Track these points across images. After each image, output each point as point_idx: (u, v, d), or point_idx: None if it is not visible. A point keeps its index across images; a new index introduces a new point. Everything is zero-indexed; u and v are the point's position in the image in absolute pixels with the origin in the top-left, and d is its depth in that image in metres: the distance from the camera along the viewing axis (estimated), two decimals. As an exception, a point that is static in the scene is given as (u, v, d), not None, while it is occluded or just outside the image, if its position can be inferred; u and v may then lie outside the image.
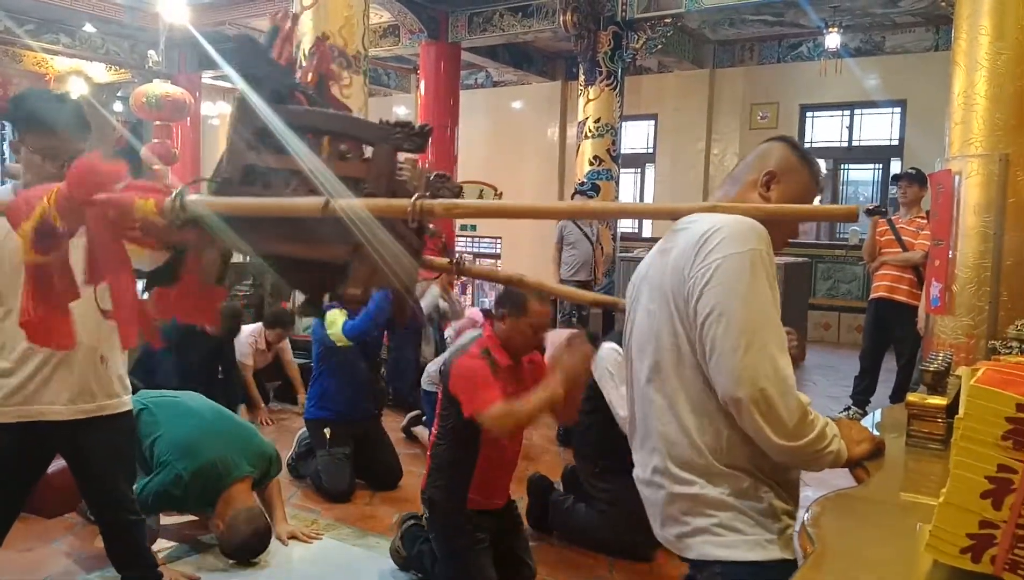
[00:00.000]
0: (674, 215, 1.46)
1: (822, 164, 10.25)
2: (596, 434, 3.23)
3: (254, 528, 2.99)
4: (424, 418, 4.71)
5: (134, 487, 2.58)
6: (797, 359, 1.68)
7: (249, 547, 3.01)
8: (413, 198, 1.30)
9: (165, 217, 1.35)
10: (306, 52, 5.08)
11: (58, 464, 2.37)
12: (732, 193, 1.54)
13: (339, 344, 3.90)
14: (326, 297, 1.53)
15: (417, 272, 1.51)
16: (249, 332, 5.23)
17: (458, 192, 1.49)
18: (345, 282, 1.36)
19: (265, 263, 1.50)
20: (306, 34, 5.37)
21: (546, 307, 2.72)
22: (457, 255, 1.73)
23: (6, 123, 10.40)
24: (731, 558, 1.36)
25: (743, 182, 1.53)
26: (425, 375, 4.66)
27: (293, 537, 3.23)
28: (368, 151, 1.43)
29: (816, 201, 1.63)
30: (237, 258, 1.53)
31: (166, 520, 3.30)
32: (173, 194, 1.35)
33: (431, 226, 1.52)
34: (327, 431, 3.88)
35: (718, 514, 1.37)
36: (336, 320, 3.87)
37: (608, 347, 3.21)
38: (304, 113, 1.48)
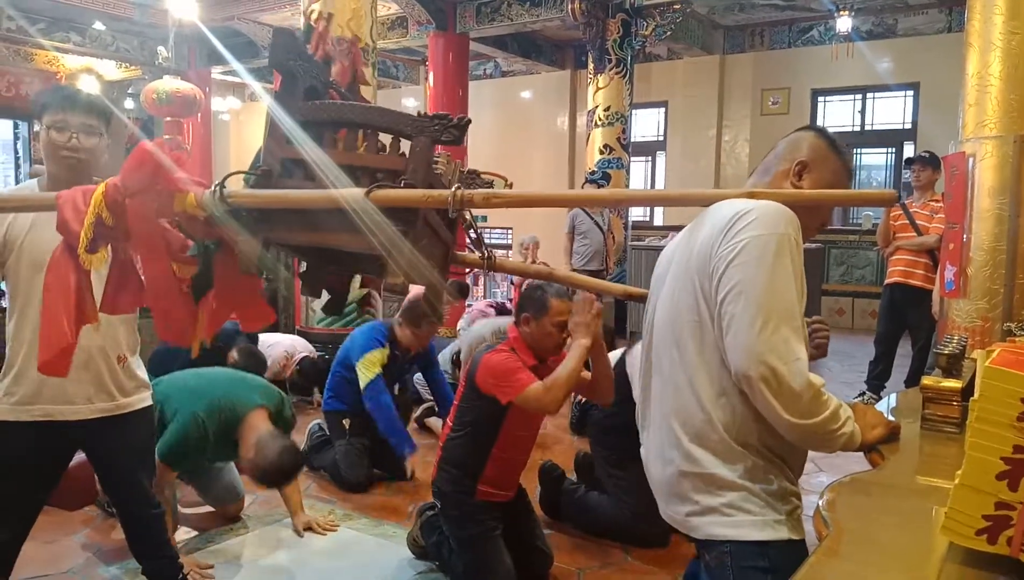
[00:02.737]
0: (710, 201, 1.48)
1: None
2: (615, 421, 3.23)
3: (282, 445, 2.88)
4: (437, 409, 4.73)
5: (156, 450, 2.60)
6: (819, 354, 1.68)
7: (281, 466, 2.88)
8: (453, 188, 1.31)
9: (205, 210, 1.37)
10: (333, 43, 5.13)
11: (79, 457, 2.40)
12: (764, 182, 1.55)
13: (361, 388, 3.85)
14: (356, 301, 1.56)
15: (449, 263, 1.53)
16: (284, 348, 5.07)
17: (489, 186, 1.50)
18: (384, 273, 1.38)
19: (298, 254, 1.52)
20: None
21: (567, 303, 2.73)
22: (488, 250, 1.73)
23: (19, 122, 10.50)
24: (740, 538, 1.37)
25: (775, 172, 1.54)
26: (442, 359, 4.66)
27: (309, 528, 3.25)
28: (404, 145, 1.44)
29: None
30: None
31: (185, 510, 3.34)
32: (212, 187, 1.37)
33: (467, 217, 1.53)
34: (346, 422, 3.90)
35: (728, 494, 1.38)
36: (368, 374, 3.78)
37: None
38: (341, 107, 1.50)
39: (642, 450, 1.58)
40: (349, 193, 1.34)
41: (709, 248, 1.37)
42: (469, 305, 6.92)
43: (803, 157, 1.51)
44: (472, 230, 1.67)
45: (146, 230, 1.39)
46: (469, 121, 1.42)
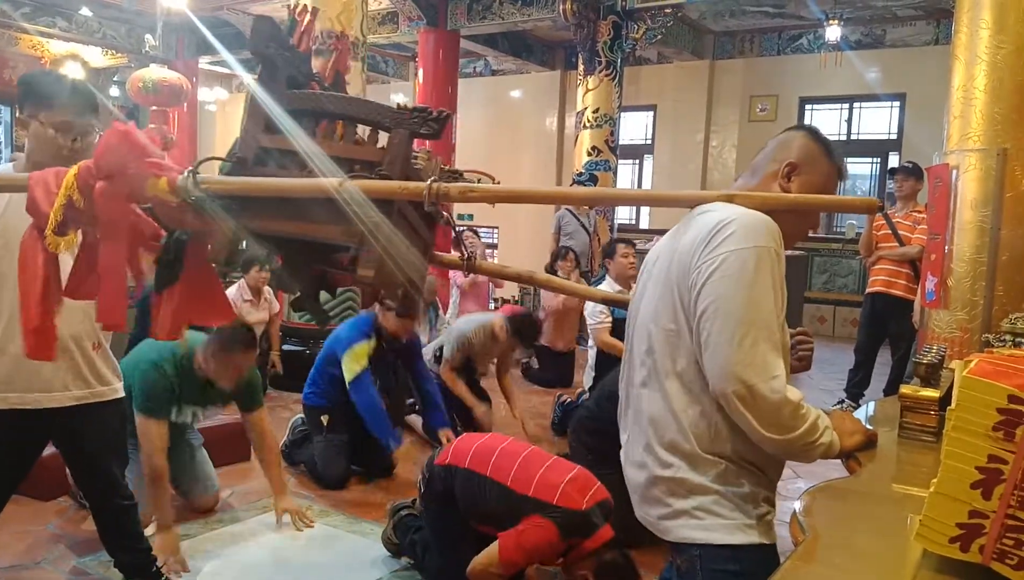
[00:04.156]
0: (694, 203, 1.46)
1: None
2: (598, 423, 3.23)
3: (230, 325, 2.90)
4: (416, 406, 4.71)
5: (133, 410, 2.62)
6: (802, 367, 1.67)
7: (232, 334, 2.94)
8: (429, 181, 1.30)
9: (177, 196, 1.35)
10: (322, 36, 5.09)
11: (52, 446, 2.37)
12: (752, 184, 1.53)
13: (347, 383, 3.82)
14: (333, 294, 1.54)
15: (427, 264, 1.51)
16: (235, 289, 5.17)
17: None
18: (356, 263, 1.36)
19: (272, 245, 1.50)
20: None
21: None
22: (469, 252, 1.72)
23: (2, 107, 10.35)
24: (710, 541, 1.37)
25: (763, 173, 1.52)
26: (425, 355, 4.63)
27: (287, 513, 3.23)
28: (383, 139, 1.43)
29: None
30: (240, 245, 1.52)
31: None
32: (186, 172, 1.36)
33: (444, 214, 1.52)
34: (324, 418, 3.87)
35: (698, 497, 1.38)
36: (355, 368, 3.75)
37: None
38: (320, 97, 1.48)
39: (621, 452, 1.57)
40: (322, 182, 1.32)
41: (689, 258, 1.36)
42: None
43: (792, 159, 1.49)
44: (451, 228, 1.66)
45: (112, 214, 1.37)
46: (449, 115, 1.40)
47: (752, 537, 1.37)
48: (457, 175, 1.46)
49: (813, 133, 1.54)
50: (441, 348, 4.71)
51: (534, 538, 2.41)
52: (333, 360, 3.89)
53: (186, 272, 1.45)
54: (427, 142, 1.49)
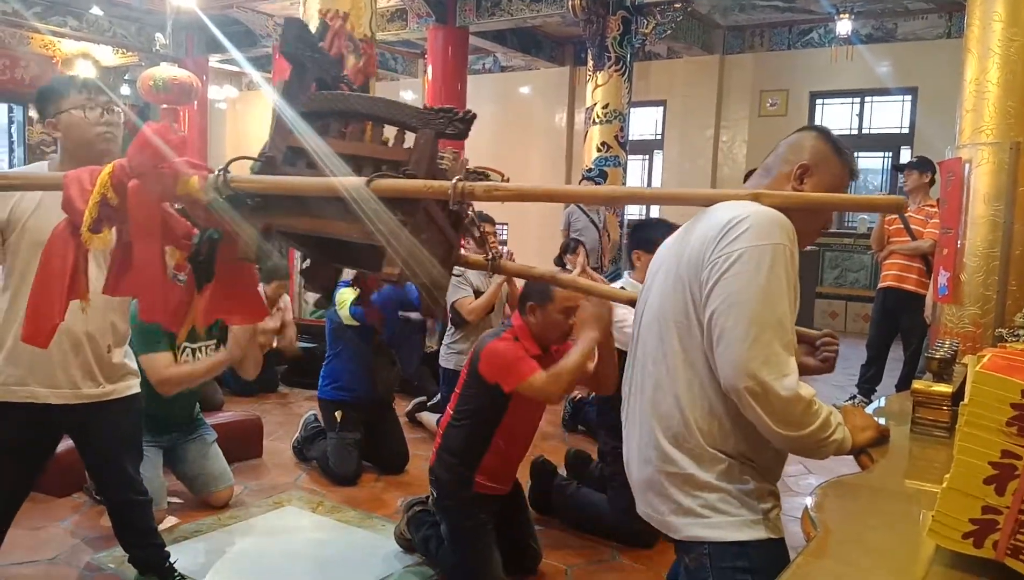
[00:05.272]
0: (712, 201, 1.46)
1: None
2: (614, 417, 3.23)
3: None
4: (428, 403, 4.72)
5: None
6: (825, 369, 1.65)
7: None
8: (454, 180, 1.31)
9: (208, 194, 1.37)
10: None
11: (66, 443, 2.39)
12: (764, 184, 1.52)
13: (346, 322, 3.90)
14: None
15: (452, 263, 1.52)
16: None
17: None
18: (381, 265, 1.37)
19: (298, 243, 1.52)
20: (311, 17, 5.36)
21: (572, 292, 2.72)
22: (493, 252, 1.72)
23: (14, 106, 10.43)
24: (718, 539, 1.37)
25: (776, 174, 1.52)
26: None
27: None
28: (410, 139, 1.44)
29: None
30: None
31: (172, 499, 3.33)
32: (217, 171, 1.38)
33: (471, 214, 1.54)
34: (338, 414, 3.89)
35: (704, 495, 1.38)
36: (346, 300, 3.83)
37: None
38: (347, 98, 1.50)
39: (624, 448, 1.57)
40: (350, 181, 1.34)
41: (701, 254, 1.36)
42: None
43: (805, 160, 1.49)
44: (475, 228, 1.66)
45: (144, 212, 1.39)
46: (474, 116, 1.41)
47: (760, 533, 1.37)
48: (481, 175, 1.47)
49: (824, 134, 1.53)
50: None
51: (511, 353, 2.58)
52: (333, 322, 3.98)
53: (219, 270, 1.47)
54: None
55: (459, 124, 1.37)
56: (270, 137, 1.49)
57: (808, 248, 6.86)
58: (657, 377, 1.44)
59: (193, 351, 3.12)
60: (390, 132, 1.50)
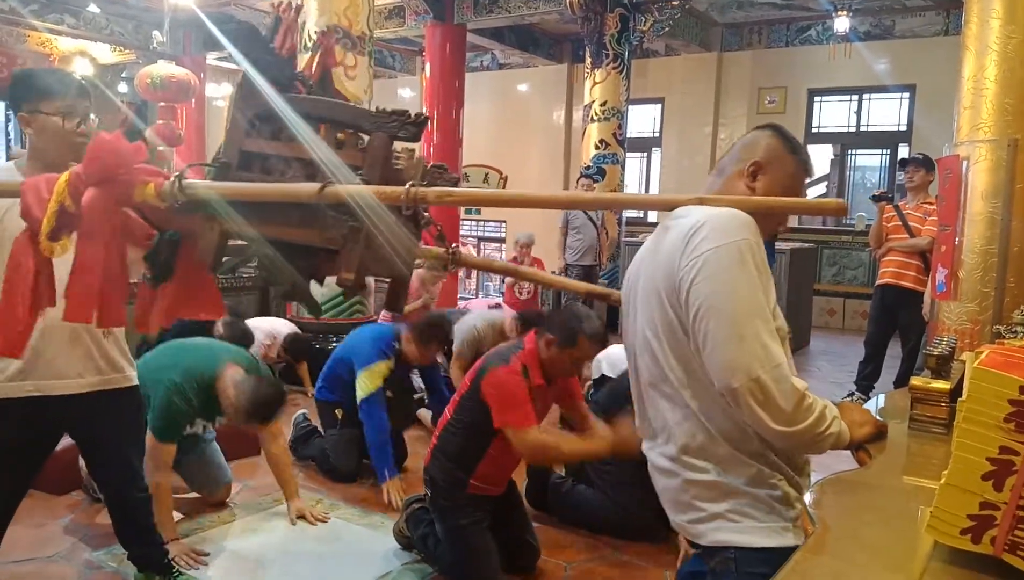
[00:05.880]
0: (667, 206, 1.46)
1: (829, 149, 10.20)
2: (604, 418, 3.24)
3: (258, 379, 2.91)
4: (427, 400, 4.72)
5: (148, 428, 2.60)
6: (877, 434, 1.53)
7: (262, 398, 2.89)
8: (407, 185, 1.30)
9: (164, 201, 1.38)
10: (312, 33, 5.05)
11: (65, 440, 2.39)
12: (717, 184, 1.53)
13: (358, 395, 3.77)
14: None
15: (413, 259, 1.52)
16: (265, 333, 4.97)
17: (456, 182, 1.50)
18: (337, 267, 1.37)
19: (258, 247, 1.51)
20: (310, 15, 5.34)
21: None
22: (452, 245, 1.72)
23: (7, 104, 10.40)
24: (745, 544, 1.36)
25: (729, 173, 1.52)
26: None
27: (302, 517, 3.24)
28: (365, 139, 1.44)
29: (811, 191, 1.61)
30: (239, 242, 1.54)
31: (175, 495, 3.33)
32: (171, 178, 1.38)
33: (426, 214, 1.53)
34: (339, 412, 3.88)
35: (732, 500, 1.37)
36: (370, 387, 3.67)
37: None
38: (300, 100, 1.50)
39: (649, 460, 1.55)
40: (303, 188, 1.34)
41: (672, 265, 1.36)
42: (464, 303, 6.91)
43: (757, 158, 1.48)
44: (432, 226, 1.66)
45: (97, 216, 1.39)
46: (427, 118, 1.42)
47: (787, 539, 1.36)
48: (442, 171, 1.46)
49: (778, 131, 1.53)
50: (450, 343, 4.70)
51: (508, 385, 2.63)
52: (349, 367, 3.81)
53: (179, 270, 1.47)
54: (433, 139, 1.50)
55: (411, 127, 1.37)
56: (224, 142, 1.49)
57: (806, 245, 6.88)
58: (663, 391, 1.43)
59: (204, 425, 3.20)
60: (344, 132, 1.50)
